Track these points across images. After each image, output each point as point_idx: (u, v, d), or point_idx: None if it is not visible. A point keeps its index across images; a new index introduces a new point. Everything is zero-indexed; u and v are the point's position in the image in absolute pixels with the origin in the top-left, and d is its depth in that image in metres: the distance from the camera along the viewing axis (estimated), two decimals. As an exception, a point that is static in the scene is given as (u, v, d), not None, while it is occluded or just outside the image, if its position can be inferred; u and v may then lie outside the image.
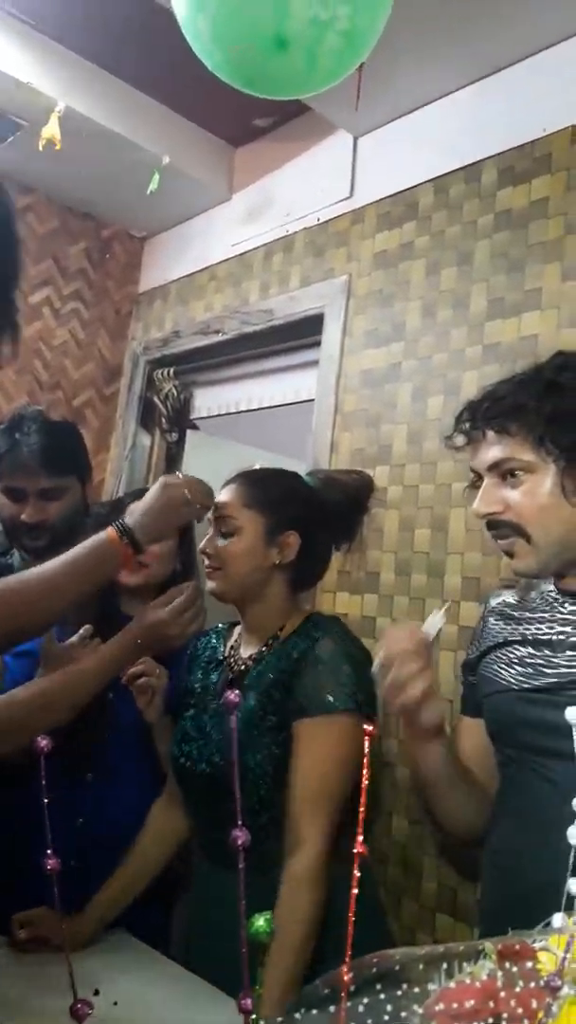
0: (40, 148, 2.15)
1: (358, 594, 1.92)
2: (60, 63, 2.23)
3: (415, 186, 2.00)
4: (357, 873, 0.51)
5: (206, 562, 1.45)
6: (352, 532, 1.56)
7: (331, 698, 1.29)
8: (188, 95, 2.36)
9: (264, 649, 1.42)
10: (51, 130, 2.17)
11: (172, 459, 2.74)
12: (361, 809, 0.52)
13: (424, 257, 1.94)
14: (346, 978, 0.54)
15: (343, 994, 0.54)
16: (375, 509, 1.88)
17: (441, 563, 1.76)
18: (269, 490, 1.46)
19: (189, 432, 2.76)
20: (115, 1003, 1.20)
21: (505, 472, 1.08)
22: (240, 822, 0.45)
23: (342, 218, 2.19)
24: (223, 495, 1.46)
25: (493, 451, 1.09)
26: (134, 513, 1.32)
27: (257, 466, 1.54)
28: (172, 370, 2.70)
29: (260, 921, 0.45)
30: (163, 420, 2.73)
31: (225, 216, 2.62)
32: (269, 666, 1.38)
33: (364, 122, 2.12)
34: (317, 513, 1.48)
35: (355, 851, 0.52)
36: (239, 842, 0.46)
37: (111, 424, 2.88)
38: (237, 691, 0.46)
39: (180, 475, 1.38)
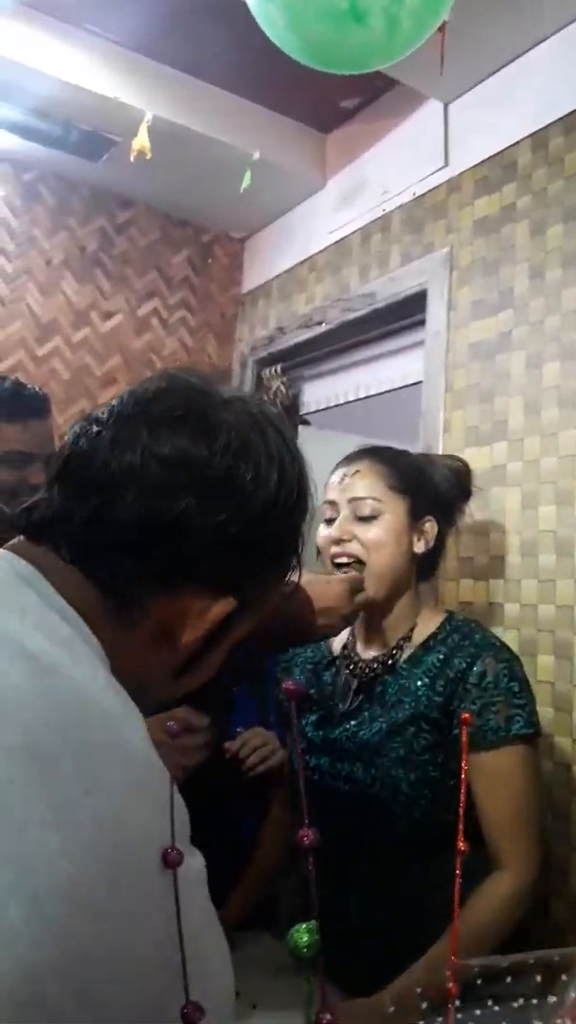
0: (132, 159, 2.18)
1: (482, 580, 1.83)
2: (142, 73, 2.26)
3: (512, 145, 1.90)
4: (458, 872, 0.46)
5: (334, 549, 1.27)
6: (455, 518, 1.43)
7: (508, 724, 1.17)
8: (272, 87, 2.34)
9: (396, 652, 1.29)
10: (141, 141, 2.19)
11: (286, 457, 2.71)
12: (460, 808, 0.48)
13: (527, 218, 1.83)
14: (451, 987, 0.48)
15: (449, 1005, 0.48)
16: (491, 488, 1.80)
17: (570, 540, 1.64)
18: (407, 471, 1.31)
19: (301, 428, 2.73)
20: (253, 1006, 1.17)
21: None
22: (308, 821, 0.39)
23: (438, 189, 2.11)
24: (355, 473, 1.30)
25: None
26: None
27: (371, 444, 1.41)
28: (279, 367, 2.68)
29: (304, 937, 0.39)
30: (274, 419, 2.71)
31: (321, 204, 2.58)
32: (417, 681, 1.24)
33: (452, 87, 2.03)
34: (439, 496, 1.36)
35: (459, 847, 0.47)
36: (306, 841, 0.40)
37: (225, 428, 2.89)
38: (298, 680, 0.41)
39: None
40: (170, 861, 0.50)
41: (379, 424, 2.48)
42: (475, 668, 1.20)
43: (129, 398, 0.65)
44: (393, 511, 1.27)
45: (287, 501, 0.65)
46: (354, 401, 2.48)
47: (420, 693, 1.22)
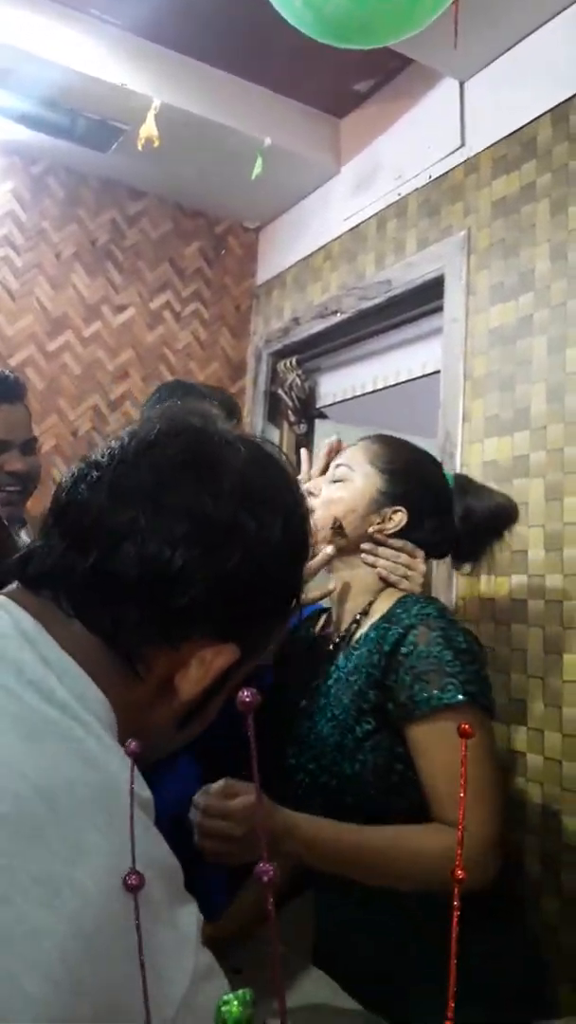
0: (140, 147, 2.13)
1: (504, 575, 1.75)
2: (149, 59, 2.20)
3: (531, 122, 1.82)
4: (456, 903, 0.40)
5: None
6: (478, 554, 1.35)
7: (438, 692, 1.08)
8: (283, 72, 2.27)
9: (352, 627, 1.25)
10: (148, 129, 2.14)
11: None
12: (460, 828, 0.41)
13: (547, 196, 1.75)
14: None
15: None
16: (513, 480, 1.72)
17: (596, 532, 1.56)
18: (398, 457, 1.30)
19: (318, 422, 2.66)
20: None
21: None
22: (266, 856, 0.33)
23: (455, 171, 2.03)
24: (352, 445, 1.35)
25: None
26: None
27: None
28: (295, 359, 2.62)
29: (235, 1010, 0.33)
30: (290, 412, 2.65)
31: (335, 191, 2.51)
32: (360, 660, 1.19)
33: (468, 64, 1.95)
34: (438, 508, 1.31)
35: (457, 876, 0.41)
36: (265, 878, 0.34)
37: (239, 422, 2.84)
38: (252, 690, 0.35)
39: None
40: (129, 886, 0.45)
41: (398, 416, 2.41)
42: (408, 638, 1.13)
43: (130, 441, 0.63)
44: (362, 482, 1.28)
45: (292, 546, 0.64)
46: (371, 392, 2.41)
47: (363, 672, 1.17)
